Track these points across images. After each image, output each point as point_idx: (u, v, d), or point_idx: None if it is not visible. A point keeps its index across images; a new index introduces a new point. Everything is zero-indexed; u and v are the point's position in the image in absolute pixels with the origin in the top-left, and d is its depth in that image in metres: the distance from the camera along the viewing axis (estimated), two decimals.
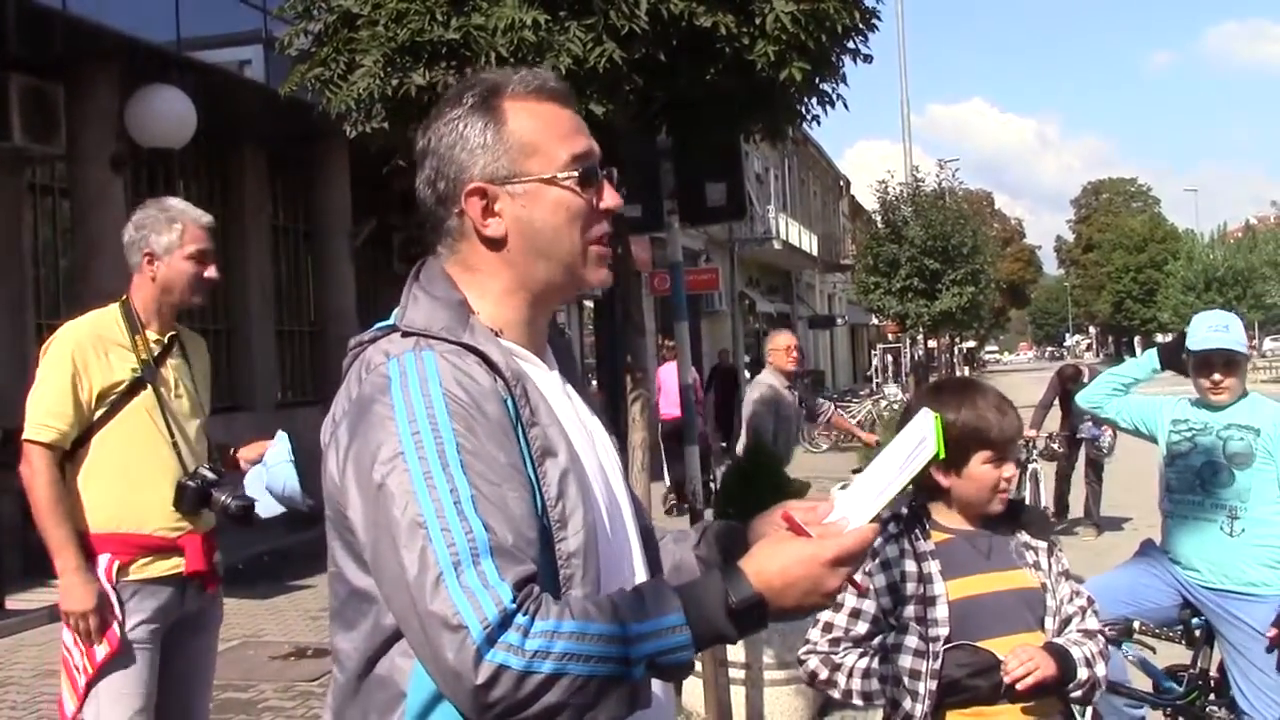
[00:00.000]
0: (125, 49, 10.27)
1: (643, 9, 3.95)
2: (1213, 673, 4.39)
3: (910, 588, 2.62)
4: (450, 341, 1.52)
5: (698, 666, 5.36)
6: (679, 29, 4.07)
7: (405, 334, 1.56)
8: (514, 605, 1.32)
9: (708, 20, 4.02)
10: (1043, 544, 2.71)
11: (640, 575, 1.65)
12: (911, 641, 2.59)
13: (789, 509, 1.60)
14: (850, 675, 2.67)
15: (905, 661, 2.59)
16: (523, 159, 1.59)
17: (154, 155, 11.17)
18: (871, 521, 1.54)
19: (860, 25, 4.40)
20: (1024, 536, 2.71)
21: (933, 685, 2.55)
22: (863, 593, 2.66)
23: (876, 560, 2.65)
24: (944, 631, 2.57)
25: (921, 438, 1.66)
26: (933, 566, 2.61)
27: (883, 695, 2.64)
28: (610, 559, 1.58)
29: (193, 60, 11.34)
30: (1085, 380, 11.30)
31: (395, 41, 4.11)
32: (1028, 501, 10.70)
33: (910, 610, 2.61)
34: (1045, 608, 2.66)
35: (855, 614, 2.69)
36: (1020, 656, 2.51)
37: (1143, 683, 4.51)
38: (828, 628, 2.70)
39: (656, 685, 1.49)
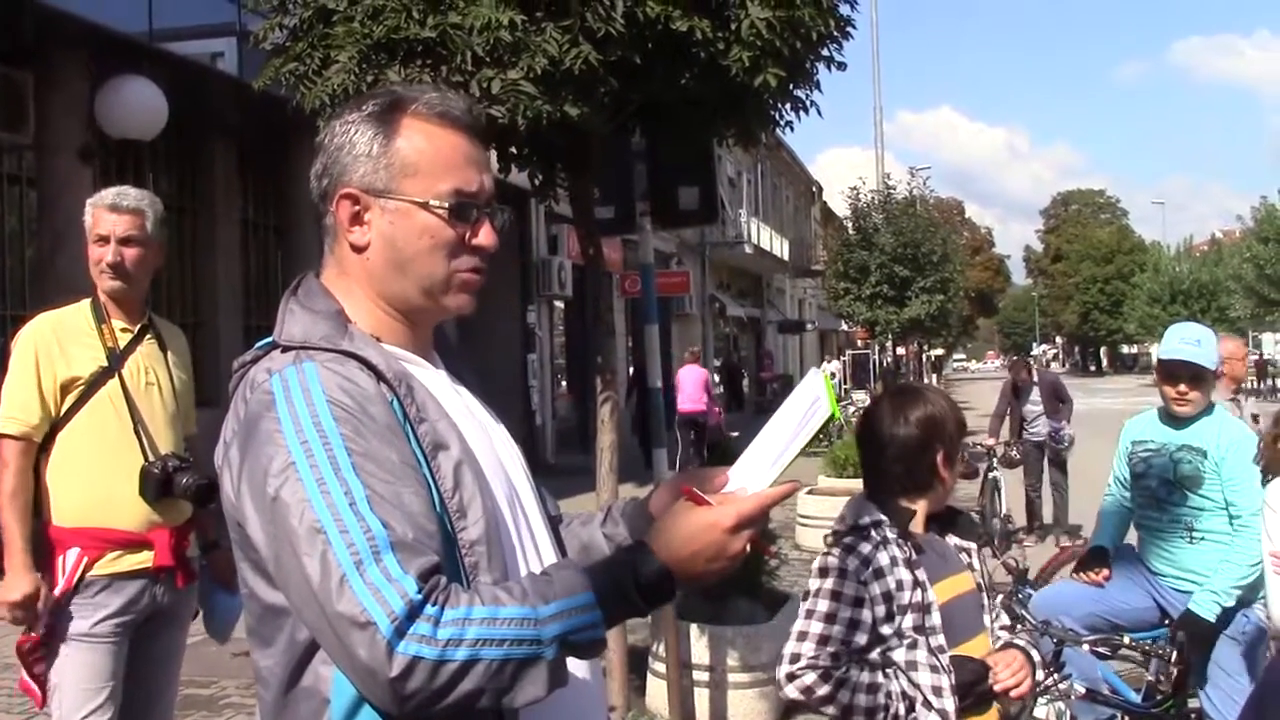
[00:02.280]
0: (96, 38, 10.18)
1: (619, 11, 3.95)
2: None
3: (907, 596, 2.50)
4: (330, 350, 1.54)
5: (661, 669, 5.37)
6: (655, 32, 4.07)
7: (285, 349, 1.57)
8: (420, 596, 1.34)
9: (684, 25, 4.03)
10: (972, 545, 2.74)
11: (549, 561, 1.66)
12: (924, 656, 2.47)
13: (686, 481, 1.64)
14: (855, 691, 2.47)
15: (924, 679, 2.46)
16: (401, 177, 1.61)
17: (123, 147, 11.06)
18: (772, 486, 1.57)
19: (835, 33, 4.42)
20: (954, 539, 2.72)
21: (956, 702, 2.45)
22: (858, 602, 2.53)
23: (870, 569, 2.52)
24: (942, 640, 2.48)
25: (815, 397, 1.64)
26: (922, 574, 2.53)
27: (885, 711, 2.47)
28: (515, 546, 1.61)
29: (164, 51, 11.25)
30: (1033, 379, 11.45)
31: (371, 38, 4.08)
32: (987, 509, 10.79)
33: (910, 620, 2.49)
34: (983, 607, 2.69)
35: (853, 625, 2.51)
36: (1011, 666, 2.51)
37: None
38: (824, 640, 2.51)
39: (580, 667, 1.53)
